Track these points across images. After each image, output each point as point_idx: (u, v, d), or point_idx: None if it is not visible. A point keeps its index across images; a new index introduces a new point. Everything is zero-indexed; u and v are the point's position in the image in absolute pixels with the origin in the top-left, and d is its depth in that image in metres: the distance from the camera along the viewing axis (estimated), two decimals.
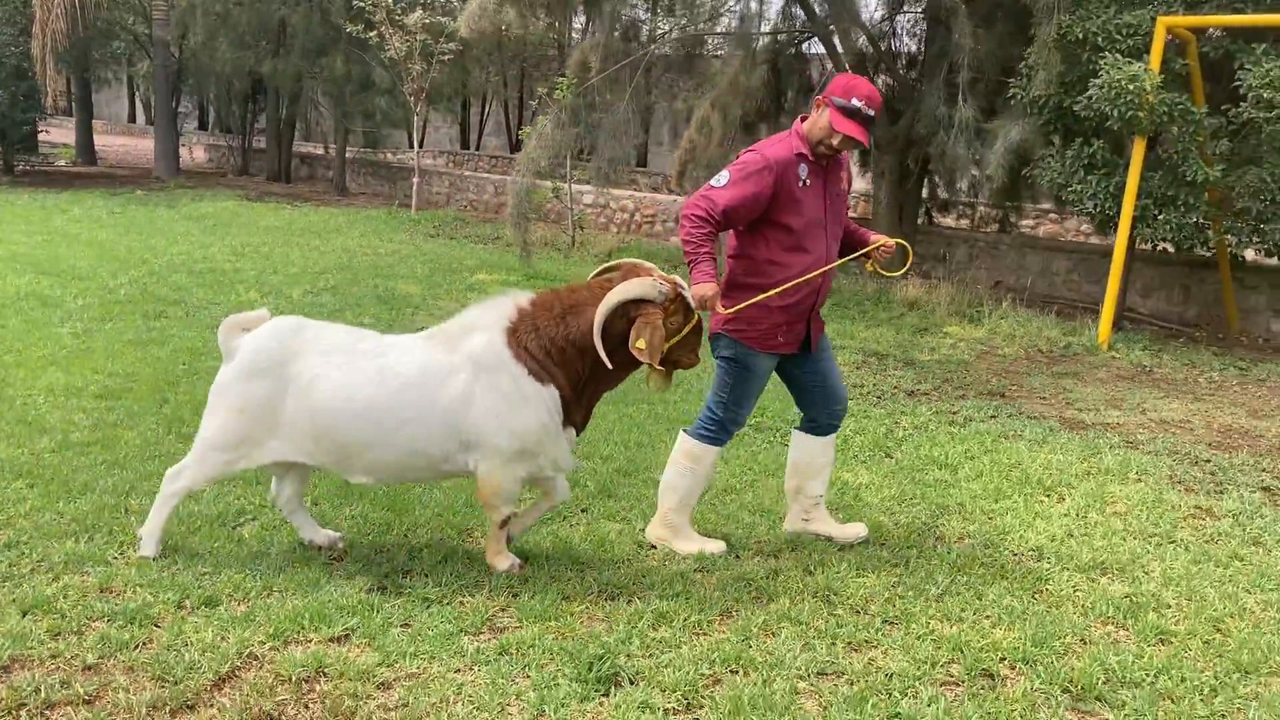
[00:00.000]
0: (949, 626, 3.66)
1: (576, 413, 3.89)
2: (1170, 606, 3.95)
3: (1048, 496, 5.18)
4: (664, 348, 3.78)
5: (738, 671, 3.29)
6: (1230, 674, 3.45)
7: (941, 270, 12.71)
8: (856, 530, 4.46)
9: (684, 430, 4.39)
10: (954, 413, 6.74)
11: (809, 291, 4.14)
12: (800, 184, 4.05)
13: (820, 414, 4.41)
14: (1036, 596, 3.98)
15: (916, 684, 3.26)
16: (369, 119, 19.45)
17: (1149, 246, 10.13)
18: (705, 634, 3.53)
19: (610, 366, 3.75)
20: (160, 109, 21.99)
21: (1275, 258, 10.14)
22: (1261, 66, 8.31)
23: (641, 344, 3.68)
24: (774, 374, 4.36)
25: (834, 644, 3.49)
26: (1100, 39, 8.96)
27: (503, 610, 3.63)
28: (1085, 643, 3.61)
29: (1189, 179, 8.77)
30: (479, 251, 13.10)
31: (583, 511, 4.64)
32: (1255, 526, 4.91)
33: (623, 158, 12.13)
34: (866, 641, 3.53)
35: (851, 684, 3.24)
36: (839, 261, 4.26)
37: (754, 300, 4.06)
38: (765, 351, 4.17)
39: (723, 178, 4.03)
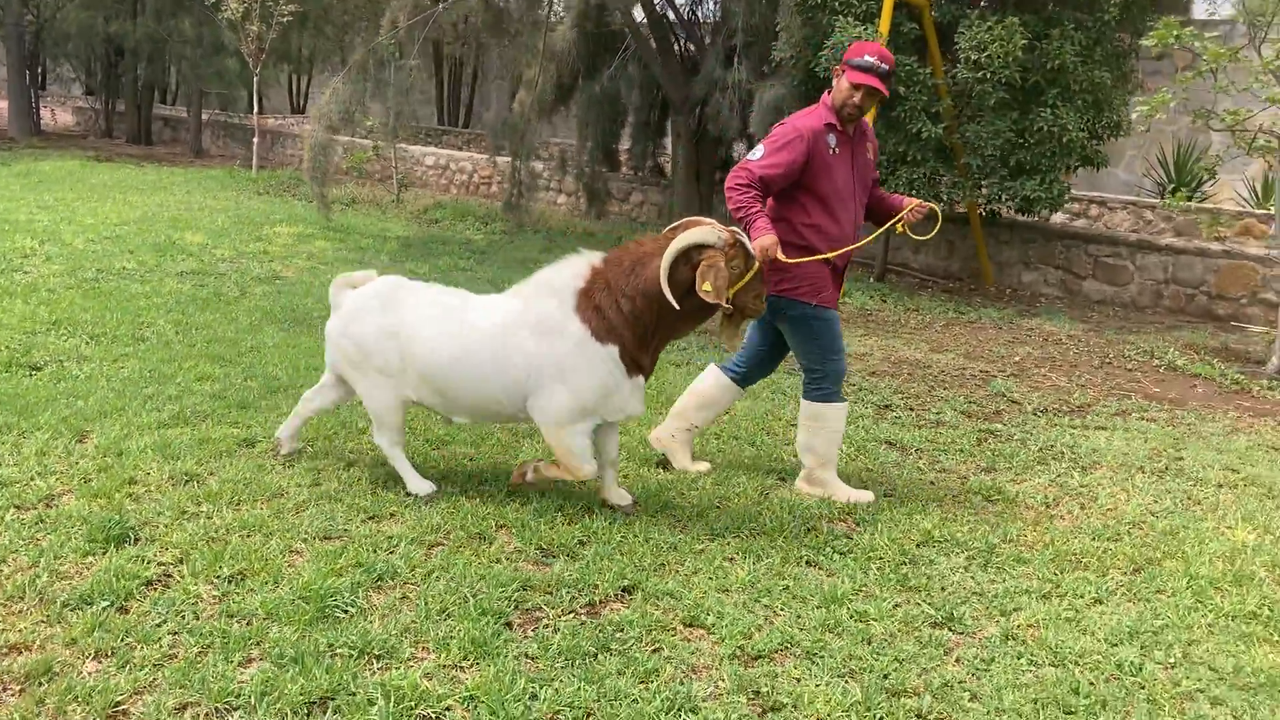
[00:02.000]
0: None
1: (643, 358, 4.14)
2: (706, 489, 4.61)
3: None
4: (730, 291, 4.03)
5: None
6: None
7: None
8: (700, 466, 4.82)
9: (803, 398, 4.69)
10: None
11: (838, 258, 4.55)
12: (831, 152, 4.43)
13: (752, 369, 4.86)
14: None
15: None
16: (221, 80, 19.60)
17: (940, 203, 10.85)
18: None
19: (678, 308, 3.99)
20: (13, 69, 21.85)
21: (1023, 214, 10.99)
22: (972, 30, 9.03)
23: (707, 286, 3.93)
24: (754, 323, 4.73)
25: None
26: (836, 3, 9.62)
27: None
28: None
29: (921, 136, 9.50)
30: (293, 207, 13.47)
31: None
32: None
33: (409, 114, 12.56)
34: None
35: None
36: (882, 229, 4.73)
37: (815, 258, 4.40)
38: (821, 305, 4.50)
39: (759, 151, 4.40)
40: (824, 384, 4.60)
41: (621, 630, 3.27)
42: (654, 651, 3.18)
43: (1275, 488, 5.09)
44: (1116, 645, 3.42)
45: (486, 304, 4.17)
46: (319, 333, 6.02)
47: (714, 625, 3.35)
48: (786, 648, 3.26)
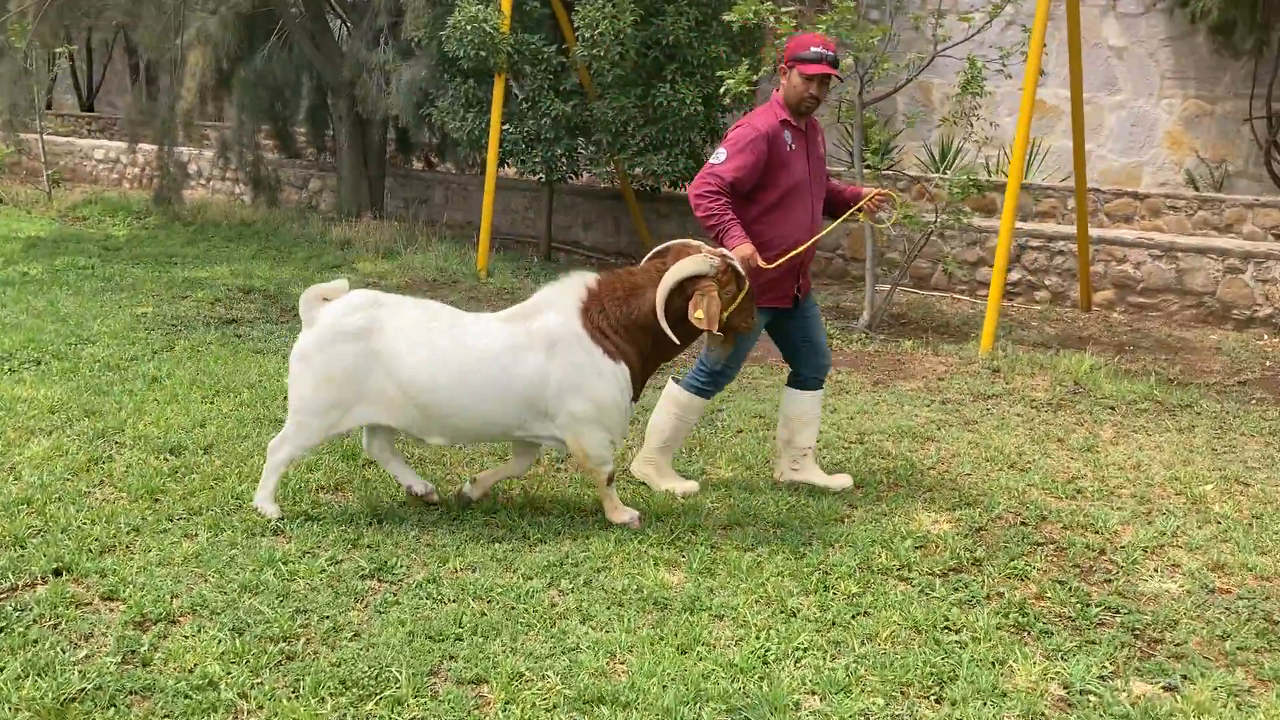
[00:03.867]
0: None
1: (638, 385, 4.35)
2: None
3: None
4: (722, 316, 4.21)
5: None
6: None
7: (423, 213, 13.59)
8: (842, 480, 4.93)
9: (673, 380, 4.91)
10: (240, 335, 7.46)
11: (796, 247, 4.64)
12: (788, 148, 4.61)
13: (806, 369, 4.94)
14: None
15: None
16: None
17: (578, 179, 11.35)
18: None
19: (677, 341, 4.21)
20: None
21: (675, 186, 11.66)
22: (584, 8, 9.54)
23: (700, 314, 4.13)
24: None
25: None
26: None
27: None
28: None
29: (551, 115, 9.96)
30: None
31: None
32: None
33: (25, 106, 12.15)
34: None
35: None
36: (841, 220, 4.88)
37: (791, 254, 4.56)
38: (759, 308, 4.57)
39: (720, 154, 4.53)
40: (705, 381, 4.85)
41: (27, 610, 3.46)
42: (53, 627, 3.38)
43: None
44: (531, 579, 3.86)
45: (482, 326, 4.25)
46: None
47: (128, 596, 3.58)
48: (195, 610, 3.52)
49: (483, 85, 10.23)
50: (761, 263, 4.45)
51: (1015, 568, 4.13)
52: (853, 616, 3.69)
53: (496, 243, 11.96)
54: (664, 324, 4.19)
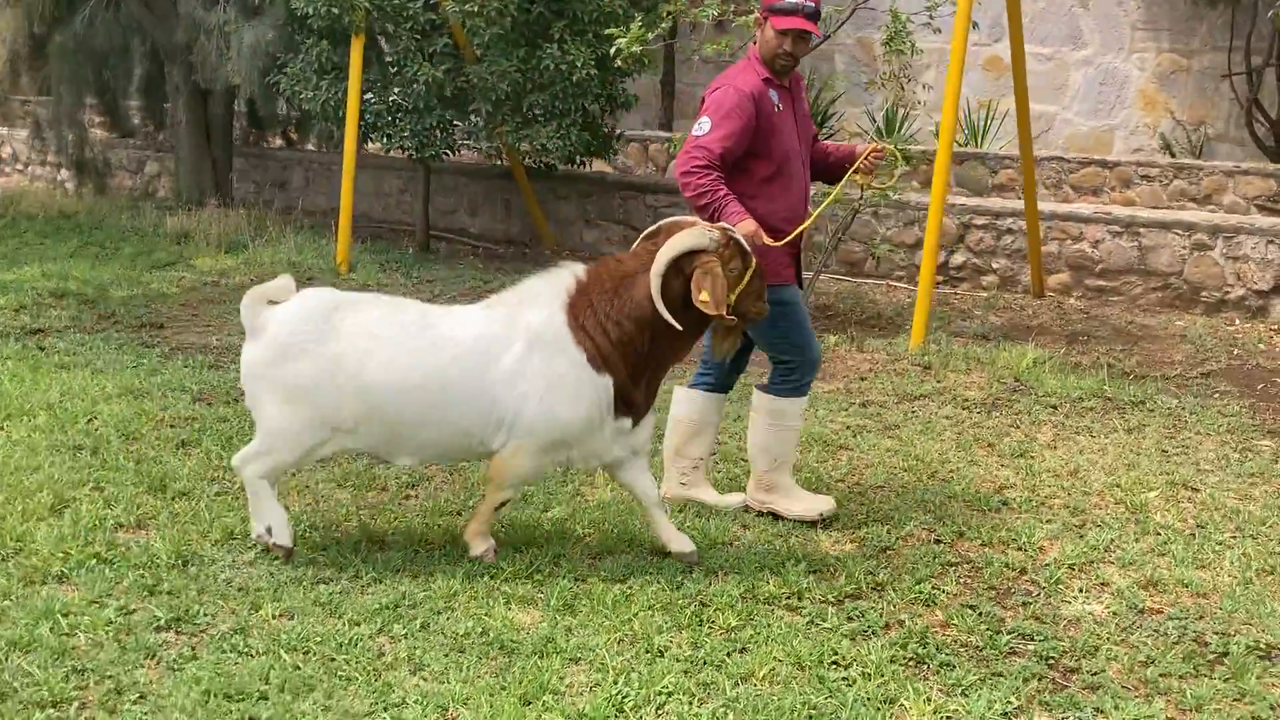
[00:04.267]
0: None
1: (636, 395, 4.29)
2: None
3: None
4: (730, 298, 4.17)
5: None
6: None
7: (280, 198, 13.47)
8: (735, 500, 4.92)
9: (758, 388, 4.87)
10: (44, 347, 7.34)
11: (796, 224, 4.70)
12: (775, 109, 4.65)
13: (733, 375, 5.03)
14: None
15: None
16: None
17: (454, 156, 11.31)
18: None
19: (679, 327, 4.14)
20: None
21: (573, 164, 11.70)
22: None
23: (705, 295, 4.08)
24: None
25: None
26: None
27: None
28: None
29: (419, 81, 9.94)
30: None
31: None
32: None
33: None
34: None
35: None
36: (840, 187, 4.99)
37: (803, 227, 4.66)
38: (784, 284, 4.66)
39: (704, 124, 4.54)
40: (793, 375, 4.84)
41: None
42: None
43: None
44: (358, 625, 3.85)
45: (457, 317, 4.28)
46: None
47: None
48: None
49: (339, 48, 10.17)
50: (768, 240, 4.50)
51: (921, 592, 4.22)
52: (728, 654, 3.74)
53: (364, 232, 11.90)
54: (662, 308, 4.14)
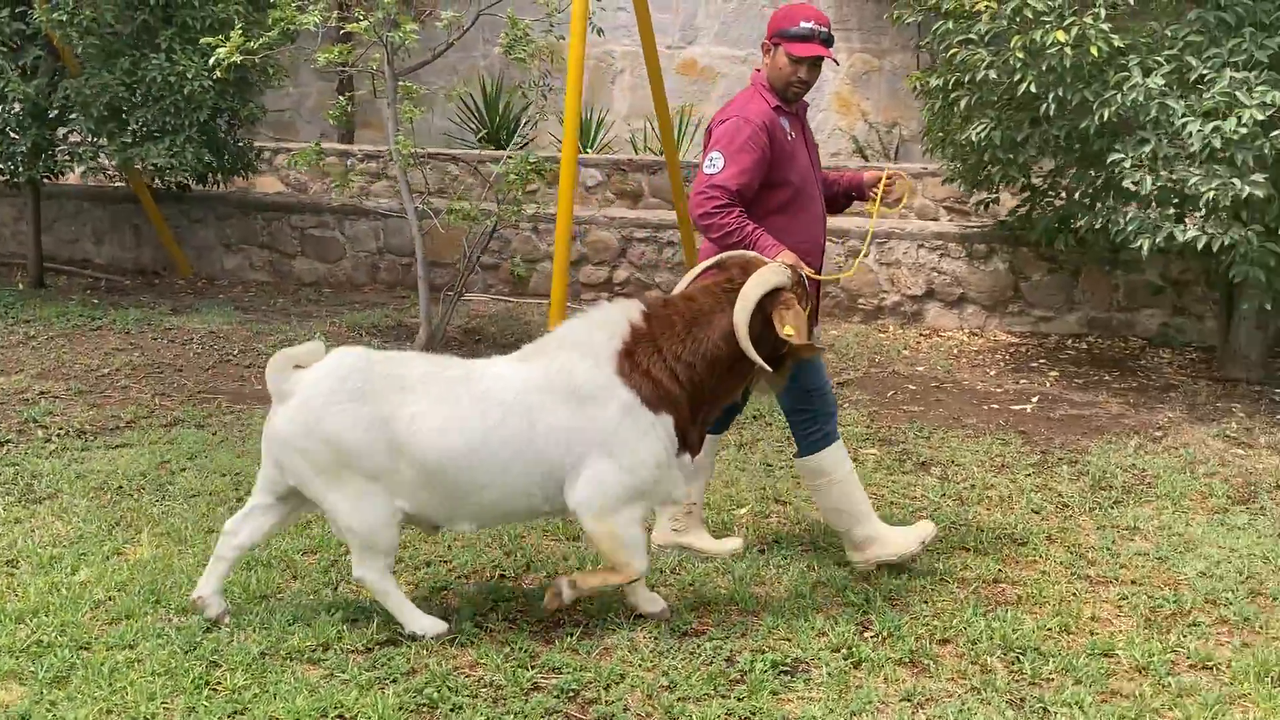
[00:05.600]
0: None
1: (693, 433, 4.44)
2: None
3: None
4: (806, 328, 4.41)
5: None
6: None
7: None
8: (731, 544, 4.89)
9: (796, 459, 5.03)
10: None
11: (817, 255, 4.93)
12: (788, 138, 4.81)
13: (728, 416, 5.02)
14: None
15: None
16: None
17: (56, 180, 10.93)
18: None
19: (769, 368, 4.37)
20: None
21: (207, 184, 11.49)
22: None
23: (790, 329, 4.31)
24: None
25: None
26: None
27: None
28: None
29: (7, 98, 9.60)
30: None
31: None
32: None
33: None
34: None
35: None
36: (874, 217, 5.18)
37: (861, 256, 4.92)
38: None
39: (716, 160, 4.68)
40: (812, 427, 4.92)
41: None
42: None
43: None
44: None
45: (497, 371, 4.33)
46: None
47: None
48: None
49: None
50: (808, 270, 4.71)
51: (464, 630, 4.32)
52: (226, 716, 3.74)
53: None
54: (748, 347, 4.31)
